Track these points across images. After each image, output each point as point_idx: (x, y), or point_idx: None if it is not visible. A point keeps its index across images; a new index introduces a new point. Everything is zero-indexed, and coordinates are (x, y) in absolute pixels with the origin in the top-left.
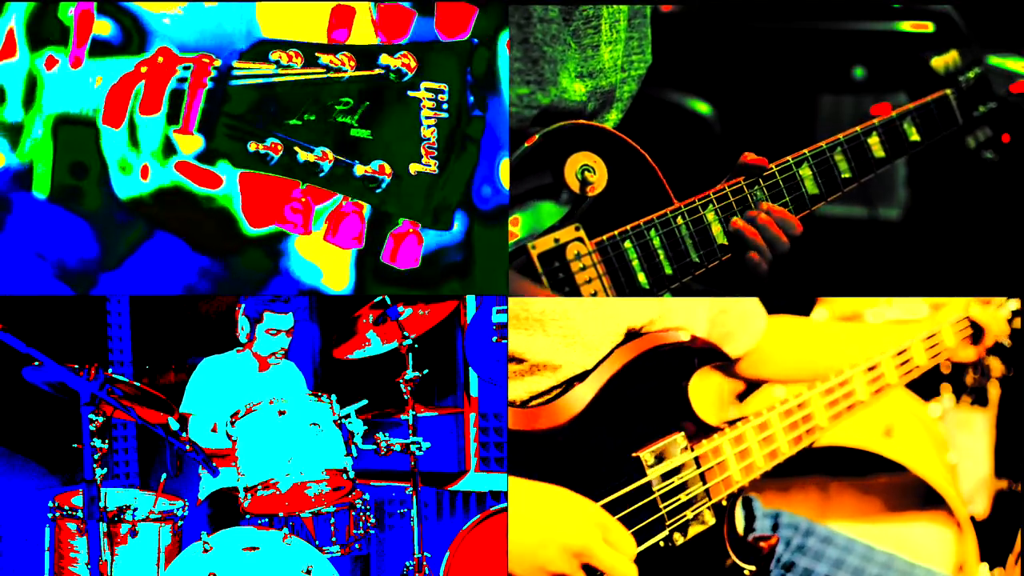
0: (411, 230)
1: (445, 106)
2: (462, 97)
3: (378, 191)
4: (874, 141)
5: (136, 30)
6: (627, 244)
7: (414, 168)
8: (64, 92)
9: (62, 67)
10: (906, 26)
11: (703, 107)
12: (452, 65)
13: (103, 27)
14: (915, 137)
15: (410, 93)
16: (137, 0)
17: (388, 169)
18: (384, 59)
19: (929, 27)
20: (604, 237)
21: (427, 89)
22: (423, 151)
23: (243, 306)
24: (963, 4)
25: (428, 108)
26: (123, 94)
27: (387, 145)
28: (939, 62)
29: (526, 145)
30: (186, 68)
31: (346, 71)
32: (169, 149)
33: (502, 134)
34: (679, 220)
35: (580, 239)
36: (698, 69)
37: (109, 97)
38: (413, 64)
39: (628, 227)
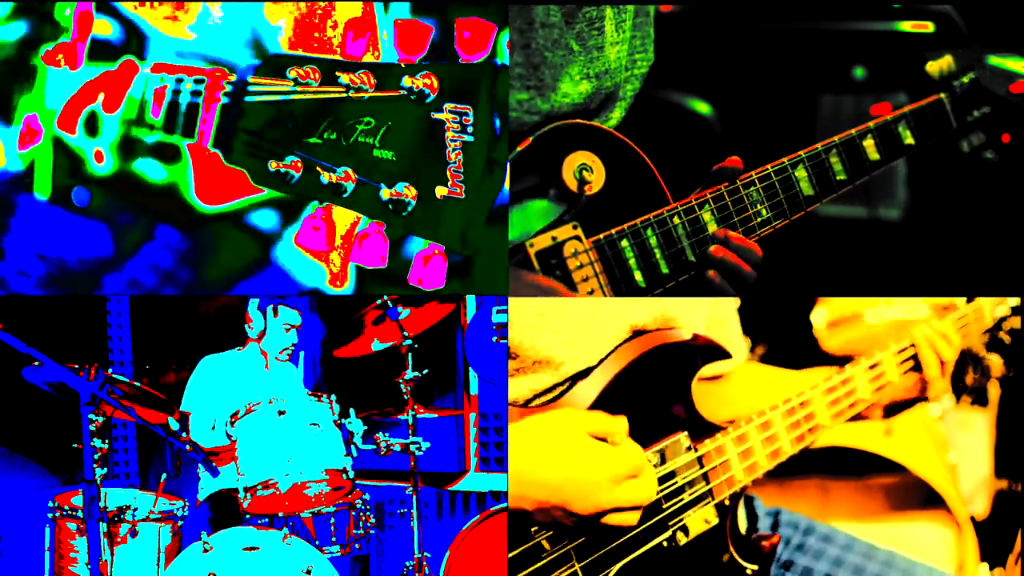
0: (436, 251)
1: (470, 128)
2: (488, 119)
3: (404, 214)
4: (869, 143)
5: (135, 33)
6: (624, 243)
7: (440, 192)
8: (62, 92)
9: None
10: (906, 26)
11: (703, 107)
12: (476, 86)
13: (104, 27)
14: (909, 140)
15: (433, 115)
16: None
17: (413, 192)
18: (406, 80)
19: (929, 27)
20: (601, 236)
21: (451, 111)
22: (449, 175)
23: (257, 300)
24: (963, 4)
25: (452, 131)
26: (83, 101)
27: (411, 167)
28: (933, 67)
29: (519, 149)
30: (199, 81)
31: (366, 90)
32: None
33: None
34: (675, 220)
35: (577, 237)
36: (698, 69)
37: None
38: (435, 84)
39: (625, 226)
